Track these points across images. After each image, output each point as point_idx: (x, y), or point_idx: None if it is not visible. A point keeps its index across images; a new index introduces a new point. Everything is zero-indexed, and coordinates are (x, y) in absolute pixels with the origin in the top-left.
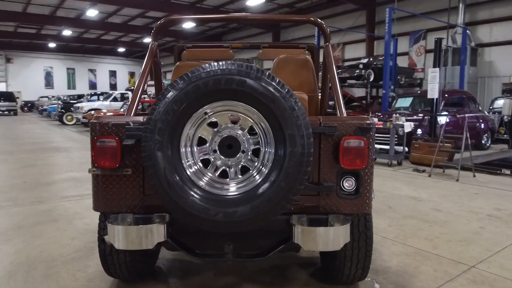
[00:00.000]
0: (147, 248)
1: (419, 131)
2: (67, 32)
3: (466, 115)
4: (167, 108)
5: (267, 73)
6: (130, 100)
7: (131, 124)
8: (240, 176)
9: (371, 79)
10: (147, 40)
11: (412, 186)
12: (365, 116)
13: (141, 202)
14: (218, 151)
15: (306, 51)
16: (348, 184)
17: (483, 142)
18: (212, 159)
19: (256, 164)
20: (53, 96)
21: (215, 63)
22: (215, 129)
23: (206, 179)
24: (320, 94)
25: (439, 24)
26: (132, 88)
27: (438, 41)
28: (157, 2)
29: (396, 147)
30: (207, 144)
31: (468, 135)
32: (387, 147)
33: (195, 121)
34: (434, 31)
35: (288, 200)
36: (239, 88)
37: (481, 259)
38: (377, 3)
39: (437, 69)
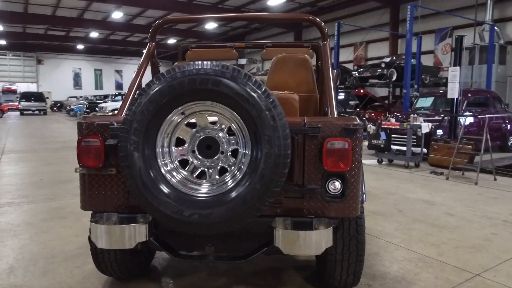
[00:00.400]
0: (129, 248)
1: (439, 131)
2: (94, 34)
3: (488, 115)
4: (143, 108)
5: (243, 73)
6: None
7: (115, 124)
8: (217, 177)
9: (394, 78)
10: (171, 41)
11: (427, 189)
12: (352, 117)
13: (125, 202)
14: (196, 152)
15: (311, 51)
16: (334, 186)
17: (509, 144)
18: (190, 160)
19: (233, 165)
20: (81, 96)
21: (192, 63)
22: (194, 130)
23: (182, 180)
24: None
25: (466, 21)
26: None
27: (459, 39)
28: (180, 4)
29: (414, 149)
30: (186, 145)
31: (488, 136)
32: (405, 148)
33: (172, 121)
34: (461, 28)
35: (263, 202)
36: (214, 88)
37: (488, 267)
38: (401, 1)
39: (458, 67)
